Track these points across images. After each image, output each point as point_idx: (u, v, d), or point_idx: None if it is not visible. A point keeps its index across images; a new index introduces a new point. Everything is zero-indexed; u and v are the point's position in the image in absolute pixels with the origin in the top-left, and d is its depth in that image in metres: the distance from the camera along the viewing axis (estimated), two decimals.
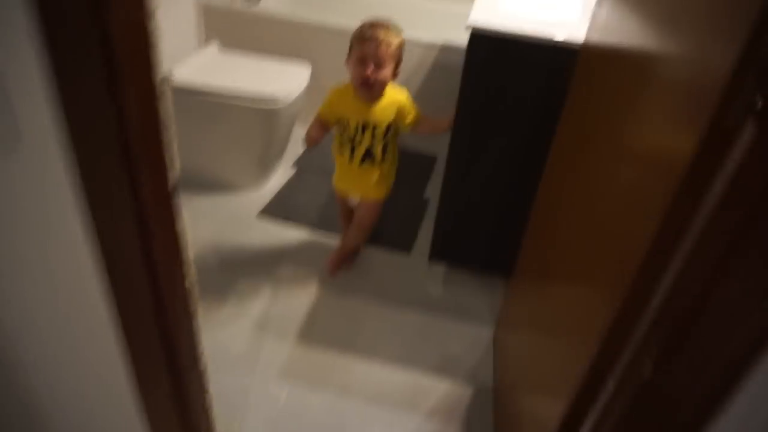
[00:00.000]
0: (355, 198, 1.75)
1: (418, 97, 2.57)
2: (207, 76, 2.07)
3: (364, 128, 1.55)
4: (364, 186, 1.67)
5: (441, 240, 1.78)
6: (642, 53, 0.78)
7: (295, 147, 2.54)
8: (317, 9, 2.86)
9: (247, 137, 2.11)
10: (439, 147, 2.53)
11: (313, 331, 1.66)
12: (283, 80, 2.09)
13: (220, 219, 2.08)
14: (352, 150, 1.60)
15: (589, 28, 1.14)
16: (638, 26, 0.82)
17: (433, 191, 2.38)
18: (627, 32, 0.86)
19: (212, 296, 1.73)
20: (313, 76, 2.28)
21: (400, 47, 1.48)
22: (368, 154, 1.60)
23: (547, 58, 1.35)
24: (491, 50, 1.38)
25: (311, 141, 1.63)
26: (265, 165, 2.24)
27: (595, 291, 0.79)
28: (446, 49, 2.42)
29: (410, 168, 2.43)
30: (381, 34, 1.43)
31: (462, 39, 2.47)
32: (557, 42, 1.32)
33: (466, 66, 1.42)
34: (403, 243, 2.05)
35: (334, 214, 2.10)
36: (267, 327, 1.65)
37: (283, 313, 1.71)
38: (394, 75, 1.52)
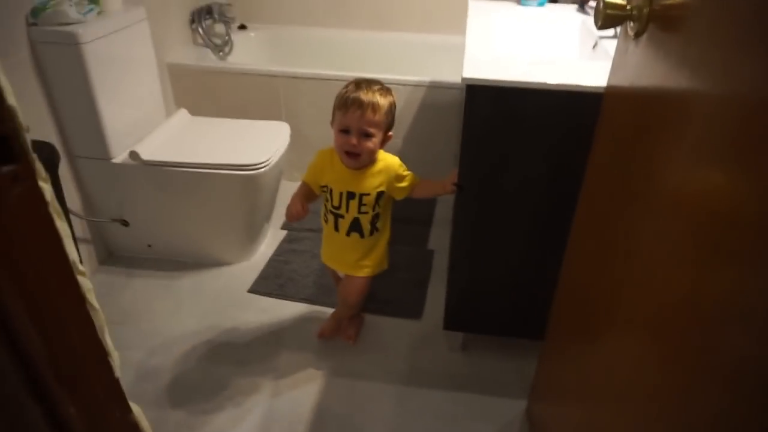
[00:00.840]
0: (341, 272, 1.56)
1: (408, 142, 2.42)
2: (179, 146, 1.89)
3: (349, 197, 1.37)
4: (349, 261, 1.50)
5: (455, 307, 1.59)
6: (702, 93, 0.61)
7: (284, 208, 2.36)
8: (292, 59, 2.71)
9: (229, 207, 1.92)
10: None
11: (326, 429, 1.45)
12: (261, 142, 1.92)
13: (208, 300, 1.88)
14: (336, 220, 1.42)
15: (614, 69, 0.97)
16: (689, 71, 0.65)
17: (436, 241, 2.20)
18: (674, 75, 0.70)
19: (205, 396, 1.52)
20: (295, 130, 2.12)
21: (391, 110, 1.31)
22: (355, 226, 1.42)
23: (559, 104, 1.19)
24: (493, 101, 1.21)
25: (292, 216, 1.43)
26: (251, 234, 2.05)
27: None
28: (435, 87, 2.27)
29: (409, 215, 2.25)
30: (366, 97, 1.26)
31: (451, 75, 2.36)
32: (568, 87, 1.16)
33: (466, 120, 1.25)
34: (412, 307, 1.86)
35: (332, 282, 1.90)
36: (272, 430, 1.44)
37: (288, 410, 1.49)
38: (385, 141, 1.35)
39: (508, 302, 1.54)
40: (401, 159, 1.44)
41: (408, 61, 2.64)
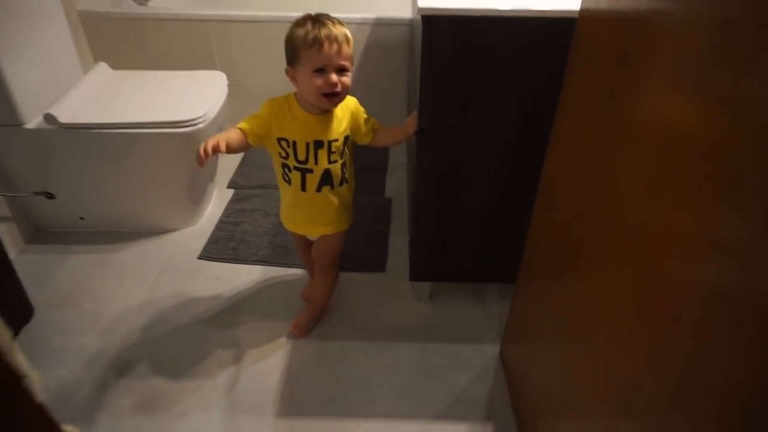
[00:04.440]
0: (313, 235, 1.44)
1: (355, 86, 2.27)
2: (102, 105, 1.69)
3: (317, 147, 1.25)
4: (324, 218, 1.37)
5: (420, 256, 1.52)
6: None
7: (227, 165, 2.20)
8: (221, 0, 2.47)
9: (167, 169, 1.75)
10: None
11: (297, 398, 1.38)
12: (196, 95, 1.74)
13: (154, 272, 1.74)
14: (304, 176, 1.28)
15: None
16: None
17: (393, 188, 2.11)
18: None
19: (163, 377, 1.41)
20: (232, 80, 1.94)
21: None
22: (326, 179, 1.29)
23: (529, 34, 1.09)
24: (454, 34, 1.10)
25: (201, 158, 1.16)
26: (194, 196, 1.89)
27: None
28: (381, 25, 2.11)
29: (362, 164, 2.14)
30: (337, 30, 1.12)
31: (398, 11, 2.21)
32: (535, 13, 1.06)
33: (425, 57, 1.13)
34: (376, 261, 1.78)
35: (288, 240, 1.80)
36: (240, 406, 1.36)
37: (255, 383, 1.41)
38: None
39: (475, 248, 1.49)
40: None
41: None
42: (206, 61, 2.20)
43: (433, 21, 1.08)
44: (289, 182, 1.30)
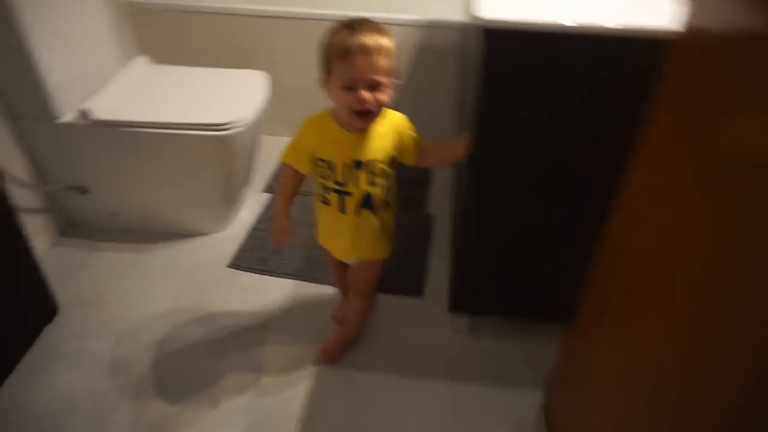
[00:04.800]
0: (350, 260, 1.33)
1: (402, 93, 2.14)
2: (138, 102, 1.62)
3: (356, 168, 1.13)
4: (363, 244, 1.25)
5: (461, 286, 1.39)
6: None
7: (265, 168, 2.11)
8: None
9: (200, 172, 1.67)
10: None
11: (318, 429, 1.28)
12: (235, 96, 1.65)
13: (181, 278, 1.67)
14: (342, 199, 1.18)
15: (699, 4, 0.73)
16: None
17: (436, 205, 1.98)
18: None
19: (180, 394, 1.34)
20: (275, 80, 1.85)
21: (396, 52, 1.06)
22: (366, 202, 1.18)
23: (600, 54, 0.94)
24: (521, 50, 0.96)
25: (280, 240, 1.26)
26: (227, 200, 1.81)
27: None
28: (433, 28, 1.98)
29: (403, 175, 2.01)
30: (372, 41, 0.99)
31: (450, 13, 2.07)
32: (616, 31, 0.91)
33: (485, 74, 1.00)
34: (412, 283, 1.66)
35: (322, 255, 1.69)
36: None
37: (276, 410, 1.32)
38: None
39: (523, 282, 1.35)
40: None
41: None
42: (250, 59, 2.12)
43: (497, 35, 0.95)
44: (327, 203, 1.20)
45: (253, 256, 1.74)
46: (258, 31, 2.08)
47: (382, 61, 1.00)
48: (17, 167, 1.61)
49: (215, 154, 1.60)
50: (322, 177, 1.16)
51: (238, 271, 1.69)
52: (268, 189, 2.04)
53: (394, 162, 1.17)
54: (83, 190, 1.73)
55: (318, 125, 1.13)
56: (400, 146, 1.15)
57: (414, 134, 1.17)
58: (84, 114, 1.53)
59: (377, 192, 1.16)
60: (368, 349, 1.46)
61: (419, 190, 2.05)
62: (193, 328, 1.51)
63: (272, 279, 1.66)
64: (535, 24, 0.92)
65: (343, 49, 0.99)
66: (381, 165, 1.14)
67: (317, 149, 1.14)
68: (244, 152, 1.71)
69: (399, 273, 1.67)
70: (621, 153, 0.91)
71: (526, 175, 1.14)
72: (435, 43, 2.01)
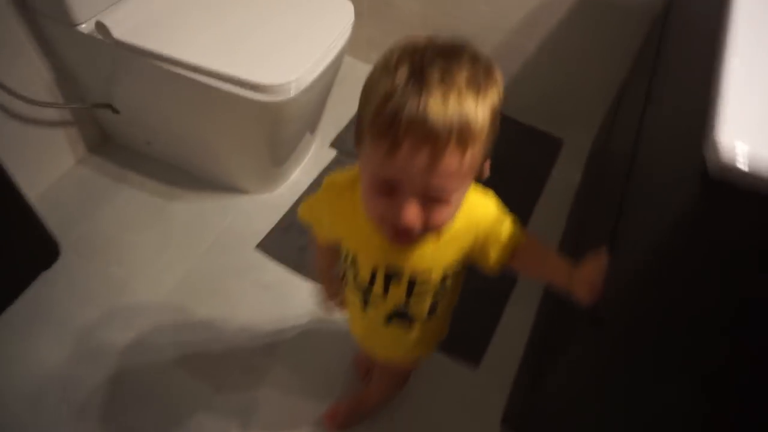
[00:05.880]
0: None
1: (542, 57, 1.56)
2: (167, 24, 1.21)
3: (392, 279, 0.71)
4: (391, 349, 0.87)
5: (521, 407, 0.99)
6: None
7: (337, 115, 1.68)
8: None
9: (241, 131, 1.30)
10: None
11: None
12: (303, 37, 1.20)
13: (204, 246, 1.38)
14: (366, 300, 0.77)
15: None
16: None
17: (537, 223, 1.49)
18: None
19: (148, 419, 1.10)
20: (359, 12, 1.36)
21: (493, 121, 0.55)
22: (400, 315, 0.77)
23: None
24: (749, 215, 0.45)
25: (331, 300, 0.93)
26: (276, 161, 1.44)
27: None
28: None
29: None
30: (442, 113, 0.49)
31: None
32: None
33: (683, 226, 0.51)
34: (471, 346, 1.25)
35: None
36: None
37: None
38: (477, 177, 0.62)
39: None
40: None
41: None
42: None
43: (737, 189, 0.44)
44: (348, 287, 0.80)
45: (289, 241, 1.40)
46: None
47: (455, 159, 0.51)
48: (41, 73, 1.32)
49: (259, 118, 1.20)
50: (344, 260, 0.76)
51: (266, 259, 1.37)
52: (338, 143, 1.64)
53: (461, 270, 0.73)
54: (114, 110, 1.42)
55: (337, 201, 0.69)
56: (477, 251, 0.70)
57: (509, 233, 0.70)
58: (101, 28, 1.16)
59: (419, 307, 0.74)
60: (388, 423, 1.13)
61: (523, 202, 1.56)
62: (191, 329, 1.24)
63: (302, 281, 1.33)
64: None
65: (384, 121, 0.50)
66: (431, 283, 0.70)
67: (335, 228, 0.72)
68: (302, 116, 1.30)
69: (459, 326, 1.27)
70: None
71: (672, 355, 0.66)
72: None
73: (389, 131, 0.50)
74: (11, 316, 1.23)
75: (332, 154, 1.61)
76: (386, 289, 0.72)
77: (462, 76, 0.50)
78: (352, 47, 1.38)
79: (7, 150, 1.21)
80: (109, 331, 1.22)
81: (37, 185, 1.42)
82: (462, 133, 0.50)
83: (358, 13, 1.30)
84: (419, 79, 0.49)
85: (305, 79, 1.14)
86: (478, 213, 0.67)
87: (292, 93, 1.13)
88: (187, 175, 1.51)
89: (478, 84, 0.51)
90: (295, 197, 1.50)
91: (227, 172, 1.46)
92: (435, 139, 0.49)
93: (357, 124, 0.57)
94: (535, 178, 1.61)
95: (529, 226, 1.48)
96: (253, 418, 1.12)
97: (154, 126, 1.43)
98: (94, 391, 1.13)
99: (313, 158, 1.59)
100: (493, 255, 0.69)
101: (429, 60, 0.50)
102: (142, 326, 1.23)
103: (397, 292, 0.71)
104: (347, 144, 1.63)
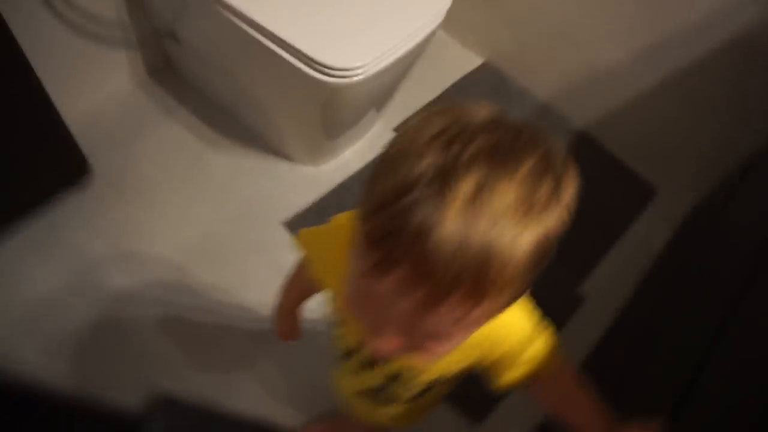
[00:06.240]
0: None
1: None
2: None
3: (391, 378, 0.58)
4: (380, 417, 0.74)
5: None
6: None
7: (413, 96, 1.52)
8: None
9: (299, 104, 1.17)
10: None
11: None
12: (383, 24, 1.03)
13: (233, 208, 1.30)
14: (344, 360, 0.64)
15: None
16: None
17: (597, 282, 1.30)
18: None
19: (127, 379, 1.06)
20: None
21: (541, 250, 0.36)
22: (389, 397, 0.64)
23: None
24: None
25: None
26: (330, 135, 1.31)
27: None
28: None
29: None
30: (452, 249, 0.33)
31: None
32: None
33: None
34: (477, 401, 1.08)
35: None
36: None
37: None
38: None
39: None
40: None
41: None
42: None
43: None
44: (336, 349, 0.68)
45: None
46: None
47: (460, 309, 0.36)
48: None
49: (315, 95, 1.06)
50: (330, 312, 0.63)
51: (290, 239, 1.27)
52: (402, 128, 1.48)
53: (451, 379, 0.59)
54: (177, 41, 1.33)
55: (339, 249, 0.54)
56: (487, 365, 0.55)
57: (536, 355, 0.54)
58: None
59: (403, 394, 0.62)
60: None
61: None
62: (191, 294, 1.17)
63: None
64: None
65: (381, 225, 0.36)
66: (430, 379, 0.57)
67: (328, 280, 0.60)
68: (364, 100, 1.15)
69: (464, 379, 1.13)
70: None
71: None
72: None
73: (383, 243, 0.35)
74: (23, 229, 1.19)
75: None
76: (369, 366, 0.59)
77: (507, 197, 0.34)
78: (449, 23, 1.19)
79: (64, 61, 1.14)
80: (111, 272, 1.17)
81: (86, 101, 1.36)
82: (480, 280, 0.34)
83: None
84: (443, 184, 0.34)
85: (373, 66, 0.99)
86: (502, 333, 0.52)
87: (356, 77, 0.99)
88: (236, 126, 1.41)
89: (530, 205, 0.35)
90: (341, 178, 1.37)
91: (276, 134, 1.35)
92: (435, 281, 0.34)
93: (360, 215, 0.42)
94: (612, 224, 1.40)
95: (586, 282, 1.29)
96: (217, 407, 1.05)
97: (212, 69, 1.32)
98: (76, 330, 1.10)
99: (372, 139, 1.45)
100: (507, 376, 0.54)
101: (469, 160, 0.34)
102: (145, 277, 1.17)
103: (378, 375, 0.58)
104: None
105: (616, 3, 1.27)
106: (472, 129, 0.36)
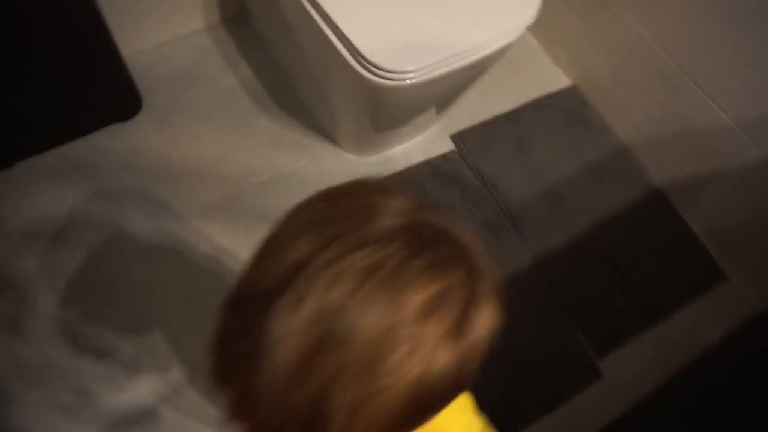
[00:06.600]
0: None
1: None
2: None
3: None
4: None
5: None
6: None
7: (481, 104, 1.41)
8: None
9: (349, 94, 1.09)
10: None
11: None
12: (451, 29, 0.93)
13: (268, 177, 1.26)
14: None
15: None
16: None
17: (620, 360, 1.17)
18: None
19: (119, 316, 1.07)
20: None
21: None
22: None
23: None
24: None
25: None
26: (378, 129, 1.23)
27: None
28: None
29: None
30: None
31: None
32: None
33: None
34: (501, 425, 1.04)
35: None
36: None
37: None
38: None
39: None
40: None
41: None
42: None
43: None
44: None
45: None
46: None
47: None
48: None
49: (361, 91, 0.98)
50: None
51: None
52: (460, 138, 1.38)
53: None
54: None
55: None
56: None
57: None
58: None
59: None
60: None
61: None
62: (200, 257, 1.15)
63: None
64: None
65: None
66: None
67: None
68: (416, 104, 1.06)
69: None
70: None
71: None
72: None
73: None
74: (66, 151, 1.22)
75: (446, 147, 1.36)
76: None
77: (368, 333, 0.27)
78: (543, 32, 1.06)
79: None
80: (131, 212, 1.17)
81: (153, 38, 1.36)
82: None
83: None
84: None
85: (426, 73, 0.90)
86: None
87: (404, 81, 0.90)
88: (292, 95, 1.36)
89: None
90: (379, 173, 1.30)
91: (327, 115, 1.28)
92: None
93: None
94: (666, 297, 1.25)
95: (608, 357, 1.16)
96: (180, 394, 1.03)
97: (280, 34, 1.27)
98: (77, 264, 1.11)
99: (425, 141, 1.36)
100: None
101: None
102: (160, 227, 1.17)
103: None
104: (469, 146, 1.37)
105: (742, 63, 1.08)
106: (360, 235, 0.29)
